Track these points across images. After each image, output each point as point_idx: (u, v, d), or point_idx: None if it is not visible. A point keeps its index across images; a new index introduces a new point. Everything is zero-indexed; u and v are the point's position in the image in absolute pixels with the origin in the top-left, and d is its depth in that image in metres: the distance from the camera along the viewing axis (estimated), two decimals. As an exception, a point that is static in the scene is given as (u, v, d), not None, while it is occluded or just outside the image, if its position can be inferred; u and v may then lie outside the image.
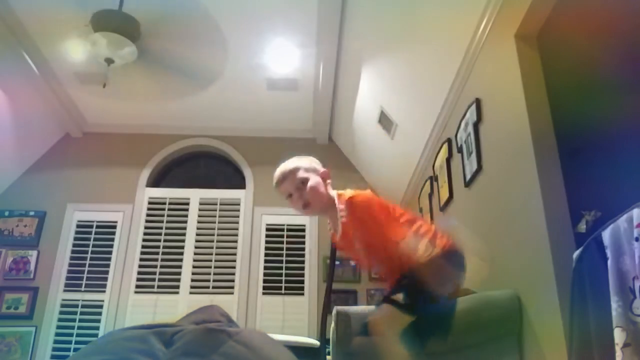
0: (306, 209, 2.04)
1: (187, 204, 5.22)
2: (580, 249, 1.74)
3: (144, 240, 5.07)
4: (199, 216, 5.18)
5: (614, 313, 1.45)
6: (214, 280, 4.94)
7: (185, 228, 5.11)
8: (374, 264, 2.25)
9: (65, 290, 4.84)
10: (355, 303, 4.81)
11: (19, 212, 5.10)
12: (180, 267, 4.97)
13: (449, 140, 3.41)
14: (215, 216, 5.19)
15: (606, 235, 1.60)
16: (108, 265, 4.93)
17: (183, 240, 5.07)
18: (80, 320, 4.73)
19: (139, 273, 4.94)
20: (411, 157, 4.27)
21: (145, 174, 5.32)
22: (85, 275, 4.90)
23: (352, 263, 5.02)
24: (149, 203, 5.21)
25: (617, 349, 1.44)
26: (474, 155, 2.87)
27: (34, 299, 4.76)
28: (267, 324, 4.63)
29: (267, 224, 5.17)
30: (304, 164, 2.17)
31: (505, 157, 2.51)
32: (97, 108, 5.21)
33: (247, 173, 5.37)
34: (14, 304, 4.73)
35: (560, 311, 1.86)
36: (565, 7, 2.28)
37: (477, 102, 2.86)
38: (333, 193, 2.09)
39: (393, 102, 4.12)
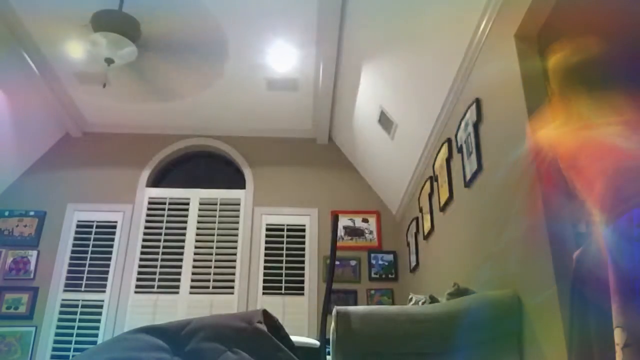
0: None
1: (187, 204, 5.22)
2: (581, 249, 1.74)
3: (144, 240, 5.07)
4: (199, 216, 5.18)
5: (614, 313, 1.45)
6: (214, 280, 4.94)
7: (185, 228, 5.12)
8: None
9: (65, 290, 4.84)
10: (355, 303, 4.82)
11: (19, 212, 5.10)
12: (180, 267, 4.97)
13: (449, 140, 3.41)
14: (215, 216, 5.19)
15: (606, 235, 1.60)
16: (108, 265, 4.94)
17: (183, 240, 5.07)
18: (80, 320, 4.74)
19: (139, 273, 4.94)
20: (411, 157, 4.27)
21: (145, 174, 5.32)
22: (85, 275, 4.90)
23: (352, 263, 5.02)
24: (149, 203, 5.22)
25: (618, 349, 1.44)
26: (474, 155, 2.87)
27: (34, 299, 4.76)
28: (267, 324, 4.62)
29: (267, 224, 5.18)
30: None
31: (505, 157, 2.51)
32: (97, 108, 5.21)
33: (247, 173, 5.37)
34: (14, 304, 4.73)
35: (560, 311, 1.86)
36: (565, 7, 2.28)
37: (477, 102, 2.86)
38: None
39: (393, 102, 4.12)
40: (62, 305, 4.79)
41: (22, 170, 5.27)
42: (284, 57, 4.44)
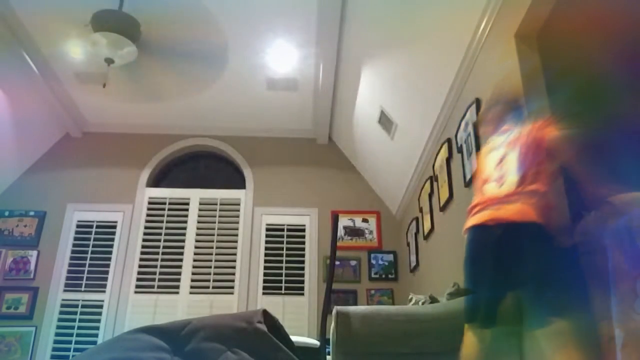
0: None
1: (187, 204, 5.22)
2: (581, 250, 1.74)
3: (144, 240, 5.07)
4: (199, 216, 5.18)
5: (614, 314, 1.45)
6: (214, 280, 4.94)
7: (185, 228, 5.12)
8: None
9: (65, 290, 4.84)
10: (355, 303, 4.82)
11: (19, 212, 5.10)
12: (180, 267, 4.97)
13: (449, 140, 3.41)
14: (215, 216, 5.19)
15: (607, 235, 1.60)
16: (108, 265, 4.94)
17: (183, 240, 5.07)
18: (80, 320, 4.74)
19: (139, 273, 4.94)
20: (411, 157, 4.27)
21: (145, 174, 5.32)
22: (85, 275, 4.90)
23: (352, 263, 5.02)
24: (149, 203, 5.22)
25: (617, 349, 1.44)
26: (474, 155, 2.87)
27: (34, 299, 4.76)
28: (267, 324, 4.62)
29: (267, 224, 5.18)
30: None
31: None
32: (97, 108, 5.21)
33: (247, 173, 5.37)
34: (14, 304, 4.73)
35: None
36: (565, 7, 2.28)
37: (477, 102, 2.86)
38: None
39: (393, 102, 4.12)
40: (62, 305, 4.79)
41: (22, 170, 5.27)
42: (284, 57, 4.44)
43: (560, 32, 2.49)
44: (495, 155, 2.00)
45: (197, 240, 5.09)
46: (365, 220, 5.21)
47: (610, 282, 1.51)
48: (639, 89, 2.79)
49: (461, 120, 3.11)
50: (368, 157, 5.13)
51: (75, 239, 5.05)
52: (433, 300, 2.58)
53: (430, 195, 3.88)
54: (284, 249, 5.09)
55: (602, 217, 1.58)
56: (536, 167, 1.81)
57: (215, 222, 5.17)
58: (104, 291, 4.84)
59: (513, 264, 1.77)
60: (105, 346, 1.40)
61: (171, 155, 5.51)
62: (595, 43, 2.69)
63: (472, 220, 1.92)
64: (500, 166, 1.93)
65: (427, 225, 3.97)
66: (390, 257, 5.08)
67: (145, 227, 5.12)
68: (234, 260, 5.01)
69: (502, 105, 2.17)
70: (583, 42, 2.68)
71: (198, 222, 5.16)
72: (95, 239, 5.05)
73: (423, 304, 2.56)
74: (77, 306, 4.79)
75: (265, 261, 5.04)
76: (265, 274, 4.98)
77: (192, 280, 4.92)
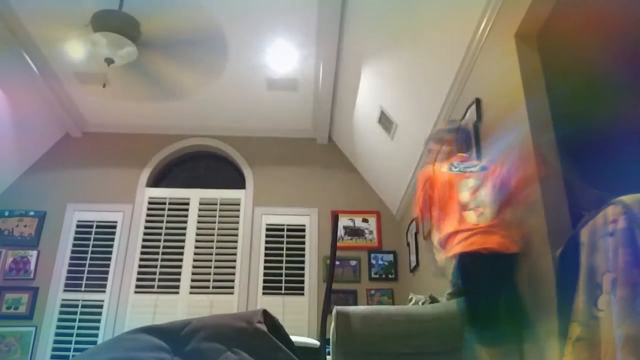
0: None
1: (187, 204, 5.22)
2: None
3: (144, 240, 5.07)
4: (199, 216, 5.18)
5: (614, 314, 1.45)
6: (214, 280, 4.94)
7: (185, 228, 5.12)
8: None
9: (65, 290, 4.84)
10: (355, 303, 4.82)
11: (19, 212, 5.10)
12: (180, 267, 4.97)
13: (449, 140, 3.41)
14: (215, 216, 5.19)
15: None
16: (108, 265, 4.94)
17: (183, 240, 5.07)
18: (80, 320, 4.74)
19: (139, 273, 4.94)
20: (411, 157, 4.27)
21: (145, 174, 5.32)
22: (85, 275, 4.90)
23: (352, 263, 5.02)
24: (149, 203, 5.22)
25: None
26: (473, 155, 2.87)
27: (34, 299, 4.76)
28: (267, 324, 4.62)
29: (267, 224, 5.17)
30: None
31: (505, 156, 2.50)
32: (97, 108, 5.21)
33: (247, 173, 5.37)
34: (14, 304, 4.73)
35: (558, 310, 1.86)
36: (565, 7, 2.28)
37: (477, 102, 2.86)
38: None
39: (393, 102, 4.12)
40: (62, 305, 4.79)
41: (22, 170, 5.27)
42: (284, 57, 4.43)
43: (560, 32, 2.49)
44: (468, 184, 2.19)
45: (197, 240, 5.08)
46: (365, 220, 5.21)
47: (611, 282, 1.51)
48: (639, 89, 2.79)
49: (461, 120, 3.10)
50: (368, 157, 5.13)
51: (75, 239, 5.05)
52: (433, 300, 2.58)
53: (430, 195, 3.87)
54: (284, 249, 5.09)
55: (603, 218, 1.59)
56: (505, 201, 2.09)
57: (215, 222, 5.17)
58: (104, 291, 4.84)
59: (504, 281, 2.05)
60: (105, 346, 1.40)
61: (171, 155, 5.51)
62: (595, 43, 2.69)
63: (461, 248, 2.08)
64: (475, 195, 2.13)
65: (427, 225, 3.96)
66: (390, 257, 5.08)
67: (145, 227, 5.12)
68: (234, 260, 5.01)
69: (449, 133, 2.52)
70: (583, 42, 2.68)
71: (198, 222, 5.16)
72: (95, 239, 5.05)
73: (423, 304, 2.56)
74: (77, 306, 4.78)
75: (265, 261, 5.03)
76: (265, 274, 4.98)
77: (192, 280, 4.92)
